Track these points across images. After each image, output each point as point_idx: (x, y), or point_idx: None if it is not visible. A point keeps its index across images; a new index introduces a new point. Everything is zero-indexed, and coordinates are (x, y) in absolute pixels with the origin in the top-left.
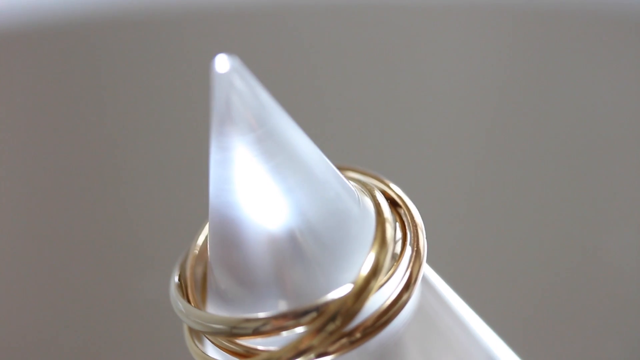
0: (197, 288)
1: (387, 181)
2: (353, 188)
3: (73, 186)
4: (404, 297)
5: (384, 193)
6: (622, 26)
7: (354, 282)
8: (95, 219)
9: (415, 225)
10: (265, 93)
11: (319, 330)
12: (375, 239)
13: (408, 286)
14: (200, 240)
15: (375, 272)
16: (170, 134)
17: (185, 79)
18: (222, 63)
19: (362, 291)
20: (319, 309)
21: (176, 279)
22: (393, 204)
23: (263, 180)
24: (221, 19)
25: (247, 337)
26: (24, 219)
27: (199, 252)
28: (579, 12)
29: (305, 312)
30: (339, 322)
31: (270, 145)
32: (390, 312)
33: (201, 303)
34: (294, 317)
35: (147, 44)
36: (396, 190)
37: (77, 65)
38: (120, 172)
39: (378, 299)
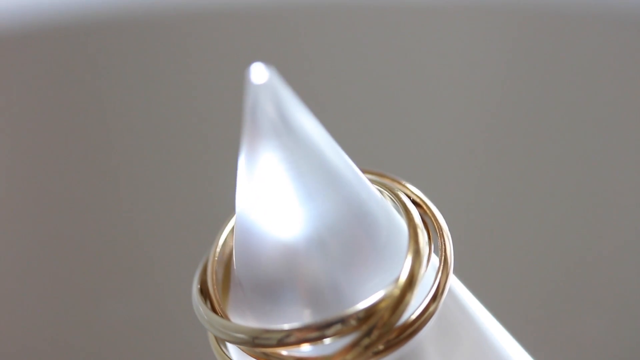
0: (218, 290)
1: (406, 183)
2: (379, 194)
3: (73, 187)
4: (431, 309)
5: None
6: (623, 27)
7: (385, 293)
8: (95, 221)
9: (441, 231)
10: (300, 104)
11: (354, 345)
12: (409, 247)
13: (435, 297)
14: (221, 241)
15: (411, 282)
16: (170, 135)
17: (187, 80)
18: (259, 72)
19: (399, 304)
20: (344, 321)
21: (198, 284)
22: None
23: (290, 191)
24: (221, 21)
25: (272, 348)
26: (25, 220)
27: (219, 255)
28: (580, 12)
29: (329, 324)
30: (375, 337)
31: (300, 158)
32: (416, 325)
33: (224, 307)
34: (318, 329)
35: (148, 45)
36: (417, 193)
37: (77, 67)
38: (120, 174)
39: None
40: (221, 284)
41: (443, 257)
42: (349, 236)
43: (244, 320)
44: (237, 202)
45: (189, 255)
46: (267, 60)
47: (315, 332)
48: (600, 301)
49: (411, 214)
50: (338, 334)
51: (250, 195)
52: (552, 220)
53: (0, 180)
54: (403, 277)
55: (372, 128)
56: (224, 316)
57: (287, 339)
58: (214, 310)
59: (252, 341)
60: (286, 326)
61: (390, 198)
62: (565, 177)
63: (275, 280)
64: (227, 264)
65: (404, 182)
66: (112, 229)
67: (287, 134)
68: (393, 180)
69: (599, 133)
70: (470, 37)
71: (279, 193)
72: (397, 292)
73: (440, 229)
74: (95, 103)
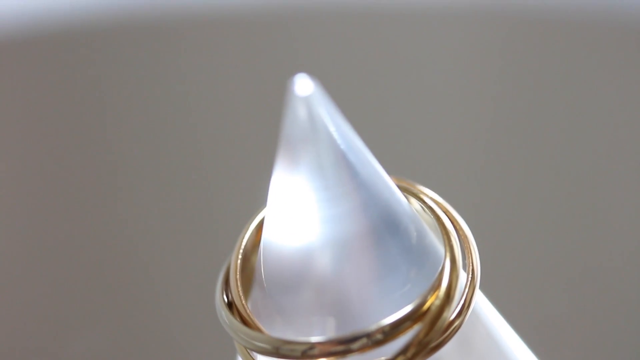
0: (243, 296)
1: (425, 190)
2: (407, 203)
3: (73, 189)
4: (456, 324)
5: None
6: (619, 31)
7: (414, 307)
8: (95, 223)
9: (467, 243)
10: (342, 117)
11: None
12: (445, 259)
13: (461, 312)
14: (243, 246)
15: (449, 297)
16: (170, 137)
17: (187, 84)
18: (303, 84)
19: (436, 319)
20: (370, 335)
21: (221, 290)
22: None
23: (322, 199)
24: (221, 25)
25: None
26: (24, 223)
27: (242, 261)
28: (576, 17)
29: (355, 339)
30: (410, 355)
31: (332, 167)
32: (441, 339)
33: (248, 309)
34: (343, 343)
35: (147, 49)
36: (440, 201)
37: (78, 70)
38: (120, 175)
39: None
40: (242, 288)
41: (471, 270)
42: (380, 244)
43: (272, 325)
44: (269, 210)
45: (190, 258)
46: (269, 65)
47: (340, 346)
48: (608, 303)
49: (444, 224)
50: (364, 349)
51: (284, 204)
52: (552, 222)
53: (0, 180)
54: (442, 290)
55: (371, 128)
56: (251, 322)
57: (310, 351)
58: (240, 316)
59: (276, 351)
60: (312, 339)
61: (422, 207)
62: (566, 177)
63: (300, 285)
64: (248, 268)
65: (424, 189)
66: (111, 233)
67: (323, 144)
68: (410, 185)
69: (597, 135)
70: (470, 42)
71: (310, 201)
72: (435, 307)
73: (467, 240)
74: (96, 106)
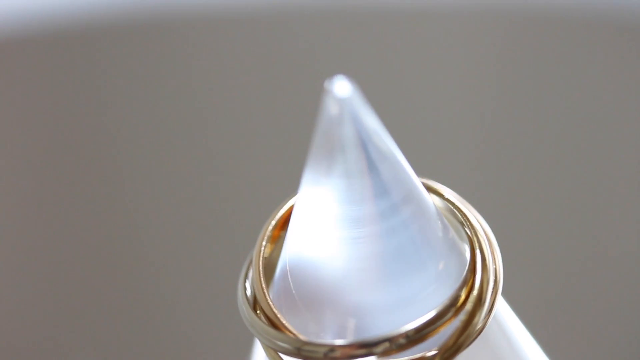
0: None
1: (444, 188)
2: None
3: (73, 190)
4: (478, 328)
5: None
6: (618, 30)
7: (437, 312)
8: (95, 223)
9: (491, 246)
10: (378, 121)
11: None
12: (475, 259)
13: (486, 316)
14: (264, 242)
15: (480, 300)
16: (170, 139)
17: (188, 85)
18: (341, 86)
19: (467, 326)
20: (392, 340)
21: (243, 286)
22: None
23: (353, 198)
24: (221, 25)
25: None
26: (25, 223)
27: (265, 257)
28: (575, 16)
29: (377, 343)
30: None
31: (364, 170)
32: (462, 345)
33: (271, 303)
34: (365, 346)
35: (147, 50)
36: (460, 199)
37: (78, 70)
38: (119, 177)
39: (447, 330)
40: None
41: (494, 272)
42: (408, 247)
43: (294, 316)
44: (298, 209)
45: (192, 258)
46: (269, 65)
47: (362, 350)
48: (600, 299)
49: (469, 219)
50: (386, 353)
51: (315, 203)
52: (552, 223)
53: (0, 181)
54: (474, 293)
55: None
56: (275, 318)
57: (332, 353)
58: (263, 312)
59: (297, 352)
60: (336, 341)
61: (445, 205)
62: (567, 177)
63: (327, 293)
64: (270, 263)
65: (443, 188)
66: (112, 234)
67: (357, 149)
68: (432, 184)
69: (597, 134)
70: (468, 42)
71: (342, 201)
72: (468, 308)
73: (490, 242)
74: (97, 106)
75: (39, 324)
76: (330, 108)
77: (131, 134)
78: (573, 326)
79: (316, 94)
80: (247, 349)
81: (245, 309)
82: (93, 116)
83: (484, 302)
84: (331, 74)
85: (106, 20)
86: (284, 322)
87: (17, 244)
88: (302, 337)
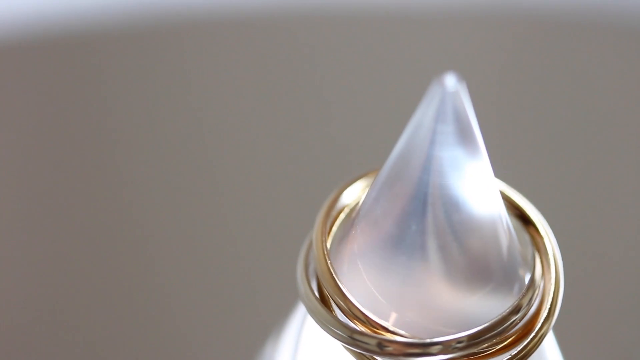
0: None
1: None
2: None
3: (73, 192)
4: (544, 330)
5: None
6: (619, 31)
7: (492, 322)
8: (95, 223)
9: (552, 245)
10: (475, 119)
11: None
12: (545, 270)
13: (547, 318)
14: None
15: (551, 312)
16: (170, 140)
17: (186, 87)
18: (451, 81)
19: (537, 335)
20: (444, 344)
21: (302, 269)
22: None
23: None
24: (221, 27)
25: (374, 353)
26: (25, 224)
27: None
28: (576, 16)
29: (431, 344)
30: None
31: (455, 163)
32: (528, 349)
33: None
34: (419, 346)
35: (147, 51)
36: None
37: (77, 73)
38: (119, 177)
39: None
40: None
41: (555, 273)
42: (479, 255)
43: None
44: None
45: (192, 258)
46: (269, 66)
47: (416, 349)
48: (609, 300)
49: (535, 223)
50: (440, 353)
51: (397, 189)
52: (553, 220)
53: (0, 182)
54: (546, 305)
55: (370, 129)
56: (346, 300)
57: (386, 348)
58: (330, 296)
59: (352, 341)
60: (399, 338)
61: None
62: (566, 177)
63: (390, 271)
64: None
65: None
66: (113, 235)
67: (458, 142)
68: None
69: (599, 134)
70: (469, 45)
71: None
72: (540, 321)
73: (551, 244)
74: (96, 108)
75: (38, 324)
76: (434, 98)
77: (131, 135)
78: (573, 326)
79: (316, 93)
80: (247, 349)
81: (305, 291)
82: (93, 118)
83: (553, 314)
84: (331, 75)
85: (106, 22)
86: (344, 290)
87: (17, 245)
88: (384, 323)
